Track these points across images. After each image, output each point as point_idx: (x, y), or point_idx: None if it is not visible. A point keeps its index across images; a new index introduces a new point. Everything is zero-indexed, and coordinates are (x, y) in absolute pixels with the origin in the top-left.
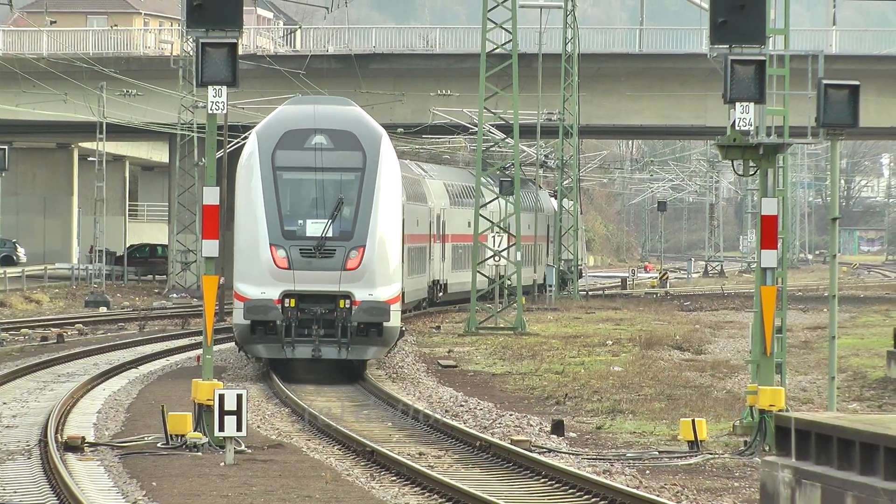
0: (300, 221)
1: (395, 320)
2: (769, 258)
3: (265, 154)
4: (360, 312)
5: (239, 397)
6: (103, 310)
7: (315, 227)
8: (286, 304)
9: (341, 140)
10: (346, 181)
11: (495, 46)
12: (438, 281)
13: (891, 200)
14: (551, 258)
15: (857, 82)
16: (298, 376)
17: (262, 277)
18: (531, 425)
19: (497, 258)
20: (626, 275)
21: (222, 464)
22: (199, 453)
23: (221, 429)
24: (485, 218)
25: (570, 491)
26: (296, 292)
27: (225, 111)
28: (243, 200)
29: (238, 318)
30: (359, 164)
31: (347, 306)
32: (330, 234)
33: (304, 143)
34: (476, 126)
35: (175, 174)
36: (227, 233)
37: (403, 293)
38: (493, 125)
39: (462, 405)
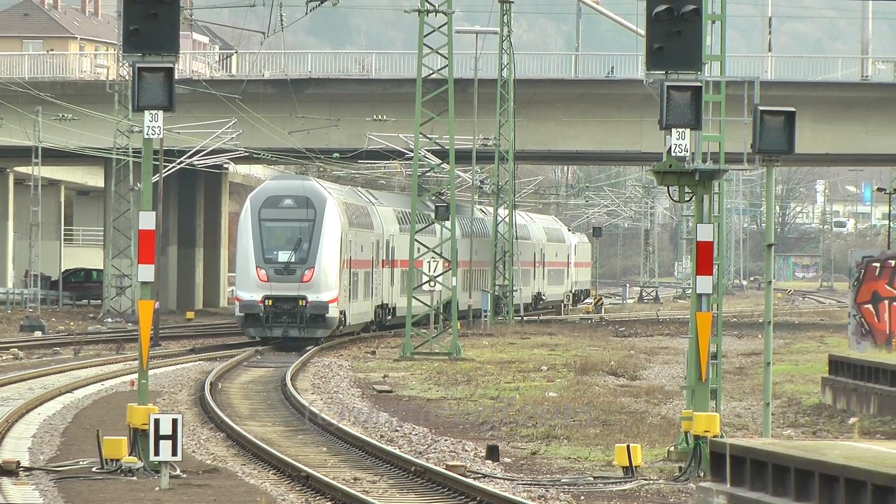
0: (275, 252)
1: (333, 313)
2: (704, 284)
3: (255, 210)
4: (311, 308)
5: (174, 422)
6: (38, 334)
7: (284, 255)
8: (266, 304)
9: (301, 202)
10: (303, 227)
11: (431, 72)
12: (387, 304)
13: (825, 227)
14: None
15: (792, 109)
16: (234, 401)
17: (251, 286)
18: (466, 450)
19: (433, 283)
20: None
21: (157, 488)
22: (135, 478)
23: (157, 453)
24: (420, 243)
25: None
26: (272, 296)
27: (161, 136)
28: (242, 239)
29: (237, 312)
30: (311, 217)
31: (303, 304)
32: (293, 260)
33: (279, 204)
34: (412, 151)
35: (110, 199)
36: (163, 257)
37: (339, 299)
38: (429, 150)
39: (397, 430)
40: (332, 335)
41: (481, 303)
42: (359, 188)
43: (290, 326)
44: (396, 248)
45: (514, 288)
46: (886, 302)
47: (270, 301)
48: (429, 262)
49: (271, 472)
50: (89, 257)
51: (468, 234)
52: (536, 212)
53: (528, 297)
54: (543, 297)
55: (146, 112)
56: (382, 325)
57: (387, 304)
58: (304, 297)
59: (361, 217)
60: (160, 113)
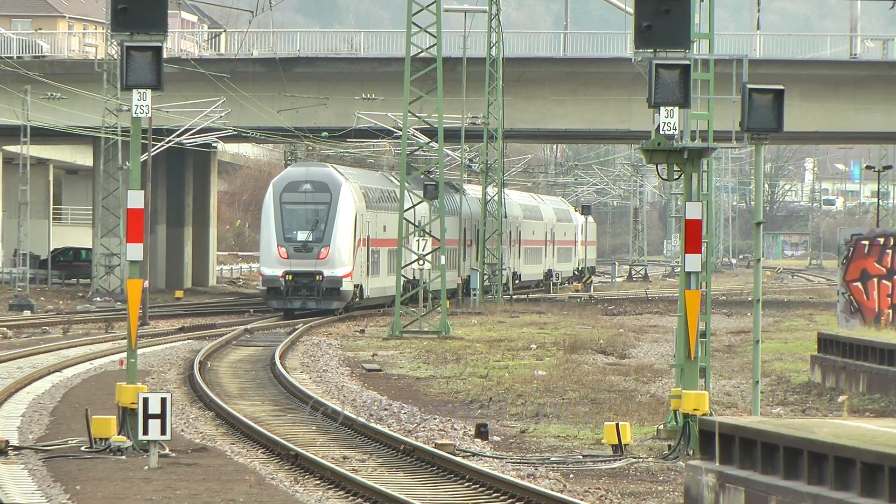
0: (294, 231)
1: (347, 287)
2: (693, 262)
3: (277, 194)
4: (326, 282)
5: (163, 401)
6: (27, 313)
7: (302, 235)
8: (286, 278)
9: (318, 186)
10: (320, 209)
11: (420, 50)
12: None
13: (814, 205)
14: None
15: (781, 87)
16: (223, 380)
17: (273, 263)
18: (455, 429)
19: (420, 262)
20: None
21: (146, 467)
22: (123, 457)
23: (145, 432)
24: (409, 221)
25: (495, 494)
26: (291, 271)
27: (149, 115)
28: (265, 220)
29: (260, 286)
30: (328, 200)
31: (320, 279)
32: (310, 239)
33: (298, 188)
34: (401, 130)
35: (99, 178)
36: (152, 236)
37: (353, 274)
38: (417, 129)
39: (386, 409)
40: (348, 307)
41: (470, 281)
42: (391, 173)
43: (308, 299)
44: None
45: (505, 267)
46: (875, 280)
47: (290, 276)
48: (416, 240)
49: (260, 450)
50: (78, 236)
51: (455, 213)
52: (526, 191)
53: (539, 274)
54: (554, 274)
55: (135, 91)
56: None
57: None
58: (320, 273)
59: (384, 200)
60: (149, 92)
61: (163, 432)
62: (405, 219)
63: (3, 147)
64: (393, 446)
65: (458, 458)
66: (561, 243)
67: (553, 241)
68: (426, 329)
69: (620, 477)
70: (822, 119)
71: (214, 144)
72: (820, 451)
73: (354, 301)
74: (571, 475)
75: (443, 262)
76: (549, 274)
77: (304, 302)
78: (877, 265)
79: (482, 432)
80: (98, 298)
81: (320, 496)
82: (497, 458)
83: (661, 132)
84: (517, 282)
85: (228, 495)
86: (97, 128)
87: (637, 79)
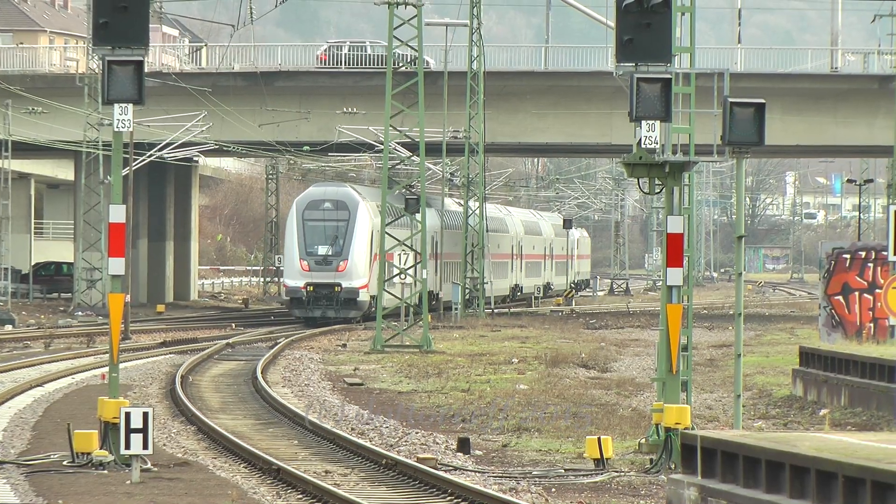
0: (315, 246)
1: (363, 297)
2: (675, 276)
3: (299, 211)
4: (345, 293)
5: (145, 415)
6: (9, 328)
7: (323, 249)
8: (307, 289)
9: (338, 205)
10: (339, 226)
11: (401, 64)
12: (430, 291)
13: (796, 218)
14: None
15: (762, 100)
16: (204, 395)
17: (295, 275)
18: (437, 443)
19: (403, 276)
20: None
21: (128, 482)
22: (105, 471)
23: (127, 447)
24: (390, 235)
25: None
26: (312, 282)
27: (131, 129)
28: (289, 235)
29: (284, 296)
30: (346, 218)
31: (338, 290)
32: (330, 253)
33: (319, 206)
34: (382, 144)
35: (81, 192)
36: (133, 251)
37: (370, 286)
38: (399, 143)
39: (368, 423)
40: (365, 316)
41: (451, 295)
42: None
43: (327, 308)
44: (439, 242)
45: (487, 281)
46: (857, 293)
47: (311, 287)
48: (399, 254)
49: (242, 465)
50: (59, 251)
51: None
52: (508, 204)
53: (538, 286)
54: (552, 287)
55: (116, 105)
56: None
57: (430, 291)
58: (339, 284)
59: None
60: (130, 106)
61: (145, 447)
62: (387, 233)
63: None
64: (375, 460)
65: (440, 473)
66: (558, 257)
67: (552, 256)
68: (408, 343)
69: (602, 491)
70: (803, 132)
71: (196, 158)
72: (802, 464)
73: (371, 310)
74: (553, 489)
75: (424, 275)
76: (547, 287)
77: (324, 311)
78: (858, 279)
79: (464, 446)
80: (80, 313)
81: None
82: (479, 472)
83: (643, 146)
84: (518, 294)
85: None
86: (79, 142)
87: (618, 92)
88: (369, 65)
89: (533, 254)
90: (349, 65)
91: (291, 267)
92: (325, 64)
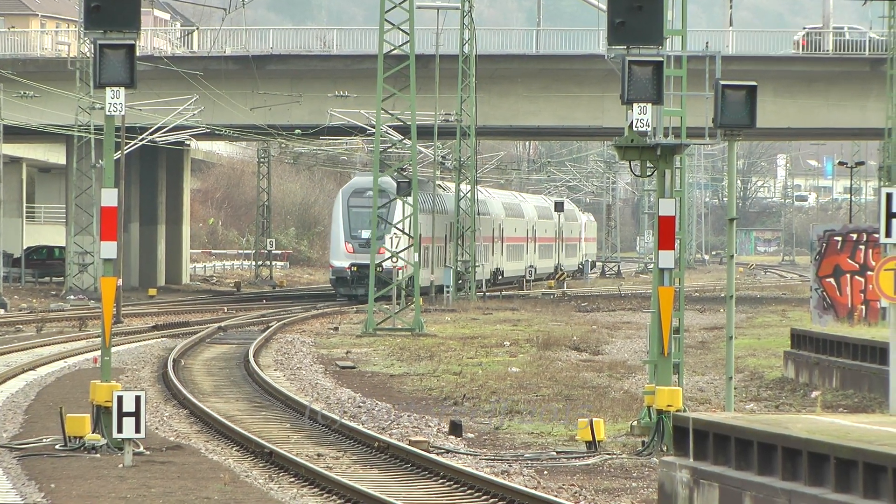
0: (359, 230)
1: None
2: (667, 259)
3: (345, 199)
4: (385, 273)
5: (137, 399)
6: (0, 312)
7: (366, 233)
8: (351, 269)
9: (380, 193)
10: (381, 212)
11: (393, 48)
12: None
13: (787, 201)
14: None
15: (753, 83)
16: (196, 378)
17: (340, 256)
18: (429, 426)
19: (395, 259)
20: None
21: (121, 465)
22: (98, 455)
23: (120, 430)
24: (382, 219)
25: (469, 491)
26: (356, 263)
27: (122, 113)
28: (335, 220)
29: (330, 276)
30: (387, 205)
31: (380, 270)
32: None
33: (363, 194)
34: (374, 127)
35: (72, 176)
36: (125, 235)
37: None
38: (390, 126)
39: (360, 406)
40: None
41: (443, 278)
42: (442, 182)
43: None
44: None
45: (481, 264)
46: (848, 275)
47: (355, 267)
48: (391, 237)
49: (234, 448)
50: (51, 234)
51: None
52: (498, 187)
53: (550, 267)
54: (562, 267)
55: (108, 89)
56: (459, 287)
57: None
58: (380, 265)
59: (439, 204)
60: (122, 90)
61: (137, 430)
62: (380, 217)
63: None
64: (367, 444)
65: (432, 455)
66: (568, 240)
67: (562, 239)
68: (399, 326)
69: (594, 473)
70: (794, 115)
71: (187, 142)
72: (794, 446)
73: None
74: (545, 472)
75: (416, 259)
76: (558, 267)
77: (366, 290)
78: (850, 261)
79: (456, 429)
80: (72, 296)
81: (294, 494)
82: (471, 454)
83: (635, 129)
84: (500, 277)
85: (203, 493)
86: (70, 126)
87: (610, 75)
88: None
89: (545, 237)
90: None
91: (337, 249)
92: (804, 50)
